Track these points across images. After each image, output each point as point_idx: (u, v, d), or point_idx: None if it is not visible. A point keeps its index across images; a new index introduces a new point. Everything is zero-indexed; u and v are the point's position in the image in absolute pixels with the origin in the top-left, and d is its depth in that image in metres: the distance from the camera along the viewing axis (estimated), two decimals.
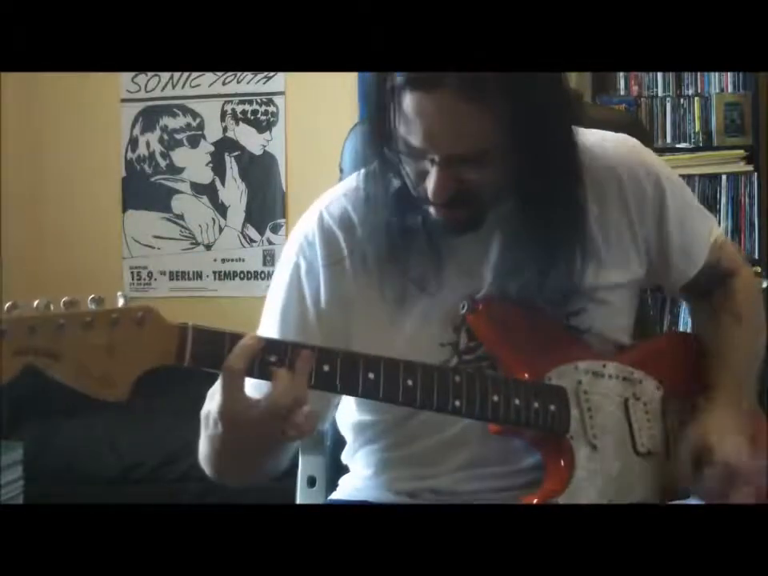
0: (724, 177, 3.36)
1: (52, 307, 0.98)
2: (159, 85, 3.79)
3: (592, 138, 1.27)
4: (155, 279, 3.83)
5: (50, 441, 3.05)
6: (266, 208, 3.75)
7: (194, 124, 3.79)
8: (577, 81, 3.06)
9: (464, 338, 1.24)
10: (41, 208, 3.85)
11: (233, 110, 3.76)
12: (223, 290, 3.79)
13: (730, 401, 1.27)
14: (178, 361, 1.04)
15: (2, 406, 2.78)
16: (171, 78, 3.77)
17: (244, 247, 3.77)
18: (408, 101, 1.10)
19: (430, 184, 1.13)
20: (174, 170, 3.81)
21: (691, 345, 1.37)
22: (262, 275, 3.73)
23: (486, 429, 1.21)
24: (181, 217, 3.81)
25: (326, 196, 1.32)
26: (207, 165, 3.79)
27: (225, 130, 3.77)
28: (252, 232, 3.77)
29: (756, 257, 3.31)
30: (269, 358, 1.07)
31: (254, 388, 1.08)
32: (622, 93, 3.52)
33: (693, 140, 3.44)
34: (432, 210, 1.17)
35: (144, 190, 3.81)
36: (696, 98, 3.46)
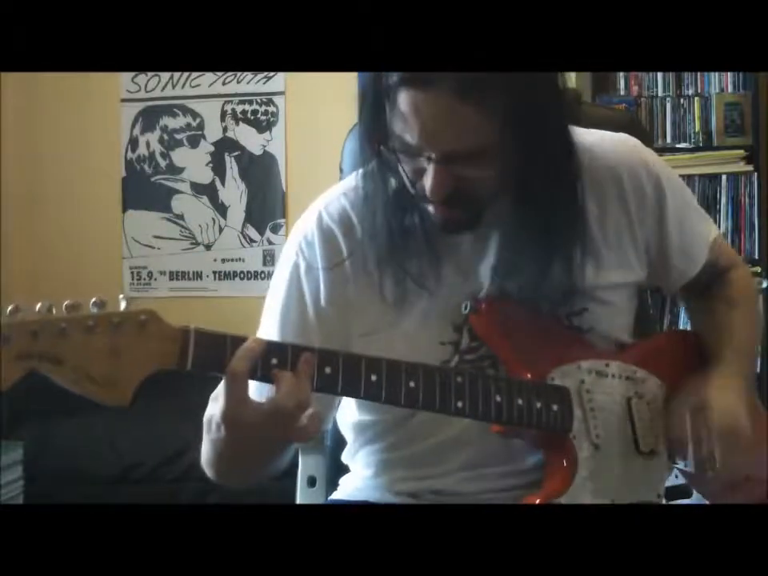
0: (724, 177, 3.36)
1: (54, 310, 0.98)
2: (159, 85, 3.79)
3: (591, 137, 1.27)
4: (155, 279, 3.83)
5: (50, 441, 3.05)
6: (266, 208, 3.75)
7: (194, 124, 3.79)
8: (577, 81, 3.06)
9: (466, 338, 1.24)
10: (41, 208, 3.85)
11: (233, 110, 3.76)
12: (223, 289, 3.79)
13: (729, 371, 1.28)
14: (180, 363, 1.03)
15: (1, 406, 2.78)
16: (171, 77, 3.78)
17: (244, 247, 3.78)
18: (403, 99, 1.10)
19: (428, 182, 1.13)
20: (174, 170, 3.81)
21: (692, 342, 1.37)
22: (262, 275, 3.74)
23: (487, 429, 1.20)
24: (181, 217, 3.81)
25: (325, 196, 1.32)
26: (207, 165, 3.79)
27: (225, 130, 3.77)
28: (252, 232, 3.77)
29: (756, 257, 3.31)
30: (271, 360, 1.07)
31: (255, 391, 1.08)
32: (622, 93, 3.52)
33: (693, 140, 3.44)
34: (430, 208, 1.17)
35: (144, 189, 3.82)
36: (696, 98, 3.46)
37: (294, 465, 1.60)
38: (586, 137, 1.25)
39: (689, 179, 3.32)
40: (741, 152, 3.36)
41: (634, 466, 1.22)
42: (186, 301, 3.75)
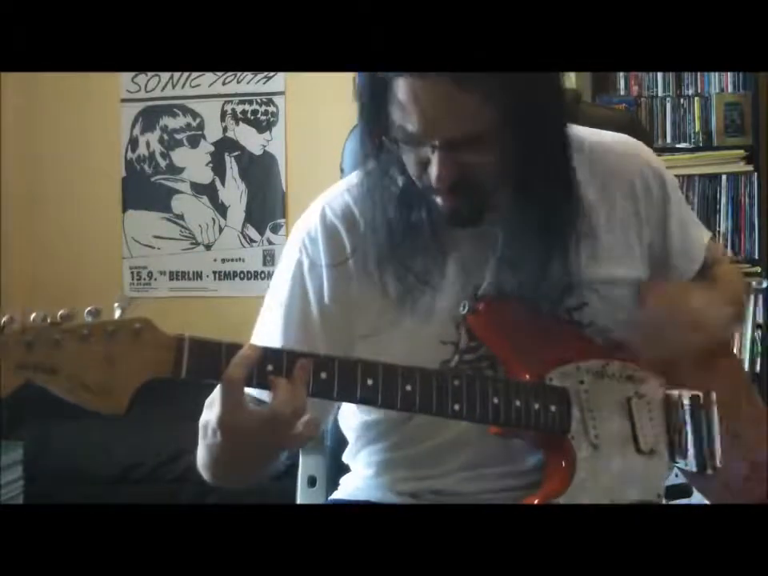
0: (724, 177, 3.35)
1: (49, 320, 0.98)
2: (159, 85, 3.79)
3: (596, 136, 1.29)
4: (155, 279, 3.83)
5: (50, 441, 3.05)
6: (266, 208, 3.75)
7: (194, 124, 3.79)
8: (577, 81, 3.06)
9: (464, 338, 1.24)
10: (41, 208, 3.85)
11: (233, 110, 3.76)
12: (223, 289, 3.79)
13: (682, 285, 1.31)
14: (174, 371, 1.03)
15: (1, 406, 2.78)
16: (171, 77, 3.78)
17: (244, 247, 3.78)
18: (401, 88, 1.11)
19: (433, 170, 1.13)
20: (174, 170, 3.81)
21: None
22: (262, 275, 3.74)
23: (486, 429, 1.20)
24: (181, 217, 3.81)
25: (328, 192, 1.32)
26: (207, 165, 3.79)
27: (225, 130, 3.77)
28: (252, 232, 3.77)
29: (756, 257, 3.31)
30: (267, 367, 1.07)
31: (255, 389, 1.08)
32: (622, 93, 3.52)
33: (693, 140, 3.44)
34: (437, 199, 1.17)
35: (144, 189, 3.82)
36: (696, 98, 3.46)
37: (294, 465, 1.60)
38: (591, 135, 1.27)
39: (689, 179, 3.32)
40: (741, 152, 3.36)
41: (634, 466, 1.22)
42: (185, 301, 3.75)
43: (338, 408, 1.34)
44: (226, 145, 3.78)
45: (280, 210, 3.74)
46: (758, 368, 3.27)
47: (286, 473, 1.55)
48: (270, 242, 3.75)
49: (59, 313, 0.98)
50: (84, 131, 3.82)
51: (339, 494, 1.39)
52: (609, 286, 1.27)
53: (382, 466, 1.32)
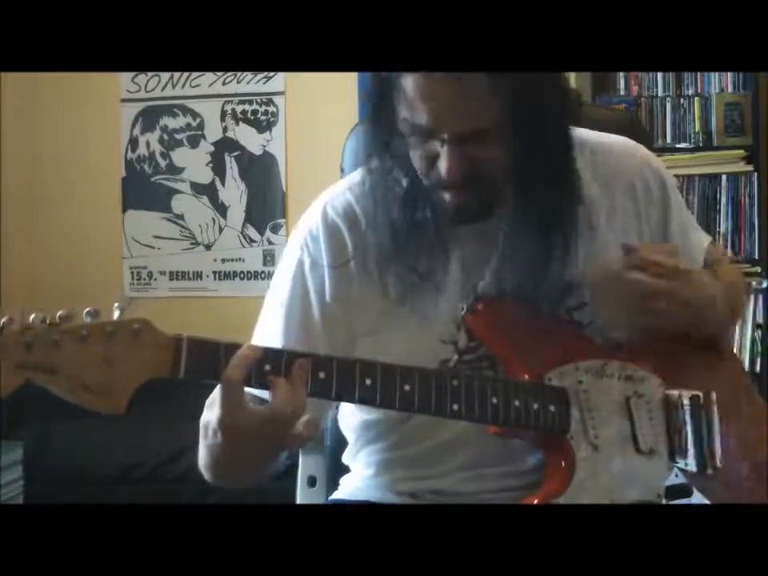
0: (724, 177, 3.35)
1: (48, 320, 0.98)
2: (159, 85, 3.79)
3: (597, 137, 1.30)
4: (155, 279, 3.83)
5: (50, 441, 3.05)
6: (266, 208, 3.75)
7: (194, 124, 3.79)
8: (577, 81, 3.06)
9: (464, 338, 1.24)
10: (41, 208, 3.85)
11: (233, 110, 3.76)
12: (223, 289, 3.79)
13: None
14: (173, 372, 1.04)
15: (1, 406, 2.78)
16: (171, 77, 3.78)
17: (244, 247, 3.77)
18: (411, 83, 1.11)
19: (443, 164, 1.14)
20: (174, 170, 3.81)
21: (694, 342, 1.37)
22: (262, 275, 3.73)
23: (486, 429, 1.20)
24: (181, 217, 3.81)
25: (330, 191, 1.33)
26: (207, 165, 3.79)
27: (225, 130, 3.77)
28: (252, 232, 3.77)
29: (756, 257, 3.31)
30: (265, 367, 1.07)
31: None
32: (622, 93, 3.52)
33: (693, 140, 3.44)
34: (445, 195, 1.18)
35: (144, 189, 3.82)
36: (696, 98, 3.46)
37: (294, 465, 1.60)
38: (592, 136, 1.28)
39: (689, 179, 3.32)
40: (741, 152, 3.35)
41: (634, 466, 1.22)
42: (186, 301, 3.75)
43: (337, 408, 1.34)
44: (225, 145, 3.78)
45: (280, 209, 3.74)
46: (758, 368, 3.27)
47: (286, 473, 1.55)
48: (270, 242, 3.75)
49: (58, 314, 0.99)
50: (84, 131, 3.82)
51: (339, 494, 1.39)
52: None
53: (381, 465, 1.32)
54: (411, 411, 1.15)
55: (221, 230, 3.79)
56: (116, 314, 1.02)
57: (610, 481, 1.20)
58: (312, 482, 1.59)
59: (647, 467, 1.23)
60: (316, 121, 3.63)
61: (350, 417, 1.34)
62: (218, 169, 3.78)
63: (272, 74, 3.70)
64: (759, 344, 3.27)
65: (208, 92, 3.76)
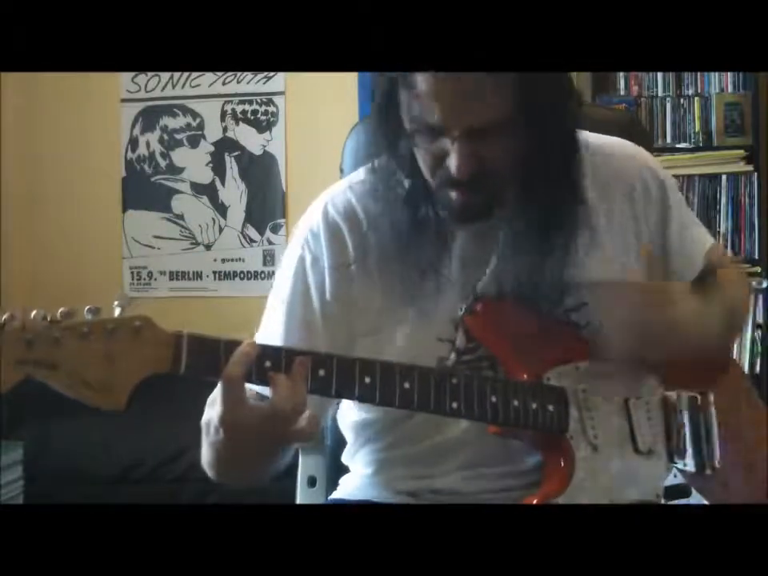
0: (724, 177, 3.36)
1: (49, 318, 0.99)
2: (159, 85, 3.79)
3: (597, 139, 1.30)
4: (155, 279, 3.83)
5: (50, 441, 3.05)
6: (266, 208, 3.75)
7: (194, 124, 3.79)
8: (577, 81, 3.06)
9: (462, 339, 1.24)
10: (41, 208, 3.85)
11: (233, 110, 3.76)
12: (223, 289, 3.79)
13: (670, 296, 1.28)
14: (173, 368, 1.04)
15: (1, 406, 2.78)
16: (171, 77, 3.77)
17: (244, 247, 3.77)
18: (422, 80, 1.11)
19: (453, 161, 1.14)
20: (174, 170, 3.81)
21: None
22: (262, 275, 3.73)
23: (486, 430, 1.21)
24: (181, 217, 3.81)
25: (330, 189, 1.33)
26: (207, 165, 3.79)
27: (225, 130, 3.77)
28: (252, 232, 3.77)
29: (756, 257, 3.31)
30: (265, 363, 1.07)
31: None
32: (622, 93, 3.52)
33: (693, 140, 3.45)
34: (451, 194, 1.18)
35: (144, 189, 3.81)
36: (696, 98, 3.46)
37: (294, 465, 1.60)
38: (591, 138, 1.28)
39: (689, 179, 3.33)
40: (741, 152, 3.36)
41: (633, 466, 1.22)
42: (186, 301, 3.75)
43: (338, 405, 1.34)
44: (225, 145, 3.78)
45: (280, 210, 3.74)
46: (757, 368, 3.28)
47: (286, 473, 1.55)
48: (270, 242, 3.74)
49: (59, 311, 0.99)
50: (84, 131, 3.81)
51: (339, 494, 1.39)
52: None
53: (380, 464, 1.32)
54: (411, 409, 1.15)
55: (221, 229, 3.79)
56: (117, 312, 1.03)
57: (609, 481, 1.20)
58: (312, 482, 1.59)
59: (646, 467, 1.23)
60: (316, 121, 3.62)
61: (349, 415, 1.34)
62: (218, 169, 3.78)
63: (272, 74, 3.70)
64: (759, 344, 3.28)
65: (208, 92, 3.76)
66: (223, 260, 3.79)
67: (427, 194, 1.21)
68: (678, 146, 3.43)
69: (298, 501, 1.59)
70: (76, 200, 3.81)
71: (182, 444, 2.88)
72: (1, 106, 3.73)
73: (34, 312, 0.98)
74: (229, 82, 3.74)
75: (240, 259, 3.77)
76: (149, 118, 3.81)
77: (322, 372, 1.09)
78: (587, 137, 1.29)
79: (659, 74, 3.50)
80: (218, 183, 3.78)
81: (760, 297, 3.26)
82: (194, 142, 3.79)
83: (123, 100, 3.82)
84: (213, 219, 3.79)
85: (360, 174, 1.31)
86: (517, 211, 1.21)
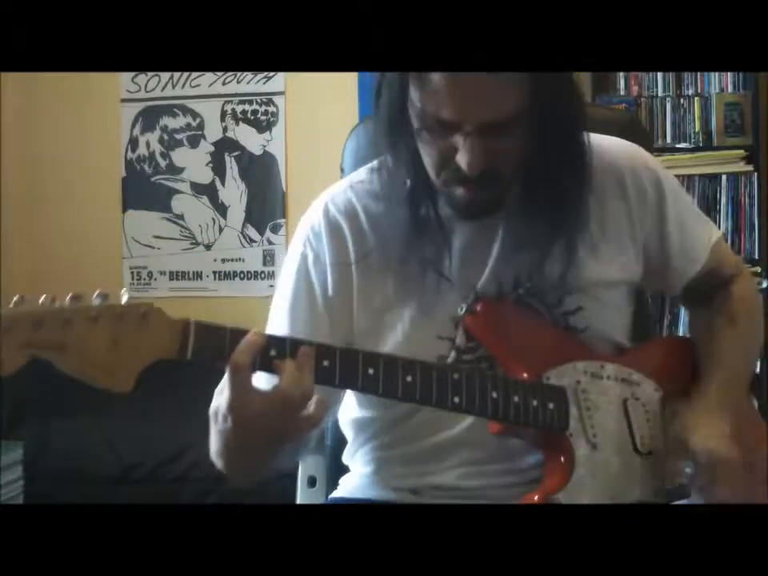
0: (724, 177, 3.35)
1: (57, 303, 0.99)
2: (159, 85, 3.79)
3: (595, 139, 1.29)
4: (155, 279, 3.83)
5: (50, 441, 3.05)
6: (266, 208, 3.75)
7: (194, 124, 3.79)
8: (577, 81, 3.06)
9: (462, 338, 1.25)
10: (41, 208, 3.85)
11: (233, 110, 3.76)
12: (223, 289, 3.79)
13: (716, 399, 1.27)
14: (180, 354, 1.05)
15: (1, 406, 2.78)
16: (171, 77, 3.78)
17: (244, 247, 3.77)
18: (434, 76, 1.11)
19: (464, 157, 1.14)
20: (174, 170, 3.81)
21: (690, 349, 1.37)
22: (262, 275, 3.73)
23: (486, 429, 1.21)
24: (181, 217, 3.81)
25: (332, 188, 1.34)
26: (207, 165, 3.79)
27: (225, 130, 3.77)
28: (252, 232, 3.77)
29: (756, 257, 3.31)
30: (271, 352, 1.08)
31: (262, 377, 1.09)
32: (622, 93, 3.52)
33: (693, 140, 3.44)
34: (458, 190, 1.18)
35: (144, 189, 3.82)
36: (696, 98, 3.46)
37: (294, 465, 1.60)
38: (590, 138, 1.27)
39: (689, 179, 3.32)
40: (741, 152, 3.35)
41: (633, 466, 1.22)
42: (185, 301, 3.75)
43: (344, 395, 1.34)
44: (226, 145, 3.78)
45: (280, 210, 3.74)
46: (757, 368, 3.27)
47: (286, 473, 1.55)
48: (270, 242, 3.75)
49: (69, 296, 1.00)
50: (84, 131, 3.82)
51: (339, 493, 1.39)
52: (603, 289, 1.27)
53: (379, 463, 1.32)
54: (413, 402, 1.15)
55: (221, 230, 3.79)
56: (124, 299, 1.04)
57: (608, 479, 1.20)
58: (312, 482, 1.60)
59: (645, 467, 1.23)
60: (316, 121, 3.63)
61: (349, 413, 1.34)
62: (218, 169, 3.78)
63: (272, 74, 3.70)
64: None
65: (208, 92, 3.76)
66: (223, 260, 3.79)
67: (429, 193, 1.22)
68: (678, 146, 3.42)
69: (298, 501, 1.59)
70: (76, 200, 3.82)
71: (182, 444, 2.88)
72: (1, 106, 3.73)
73: (42, 296, 0.99)
74: (229, 82, 3.74)
75: (240, 259, 3.78)
76: (149, 117, 3.81)
77: (326, 362, 1.10)
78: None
79: (659, 74, 3.49)
80: (218, 183, 3.78)
81: (761, 306, 3.26)
82: (194, 142, 3.79)
83: (123, 100, 3.82)
84: (213, 219, 3.79)
85: (361, 173, 1.31)
86: (520, 209, 1.21)
